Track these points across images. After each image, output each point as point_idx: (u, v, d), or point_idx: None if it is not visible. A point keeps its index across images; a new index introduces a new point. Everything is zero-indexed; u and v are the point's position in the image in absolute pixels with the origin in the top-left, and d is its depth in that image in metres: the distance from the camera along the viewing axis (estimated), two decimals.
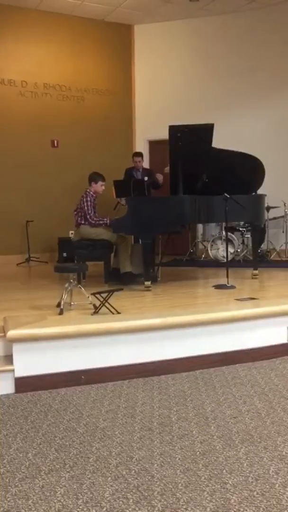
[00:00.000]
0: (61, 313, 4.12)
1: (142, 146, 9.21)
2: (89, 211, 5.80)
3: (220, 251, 7.63)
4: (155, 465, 2.45)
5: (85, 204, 5.82)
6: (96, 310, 4.10)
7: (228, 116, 8.60)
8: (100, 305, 4.10)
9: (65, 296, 4.25)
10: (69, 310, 4.26)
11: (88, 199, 5.84)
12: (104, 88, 9.21)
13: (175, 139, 5.60)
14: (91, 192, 5.94)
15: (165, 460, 2.49)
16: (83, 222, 5.85)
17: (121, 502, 2.13)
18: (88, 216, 5.78)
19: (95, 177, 6.00)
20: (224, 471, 2.37)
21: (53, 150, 8.81)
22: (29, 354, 3.57)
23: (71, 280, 4.38)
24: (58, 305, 4.25)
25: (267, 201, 6.86)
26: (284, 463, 2.43)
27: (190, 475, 2.34)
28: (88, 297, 4.27)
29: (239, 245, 7.76)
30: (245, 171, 5.89)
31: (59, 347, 3.64)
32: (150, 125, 9.02)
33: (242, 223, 7.45)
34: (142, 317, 4.00)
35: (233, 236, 7.65)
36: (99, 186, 5.97)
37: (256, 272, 6.12)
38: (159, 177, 7.04)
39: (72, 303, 4.37)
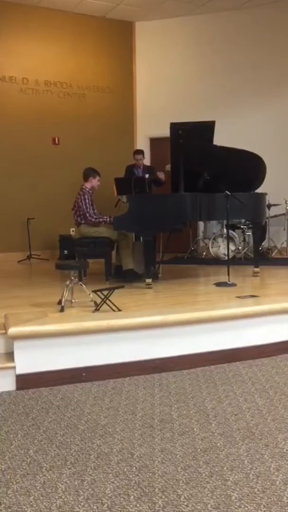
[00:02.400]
0: (62, 310, 4.12)
1: (143, 143, 9.19)
2: (88, 209, 5.75)
3: (221, 248, 7.62)
4: (156, 462, 2.45)
5: (83, 202, 5.75)
6: (97, 307, 4.10)
7: (229, 114, 8.58)
8: (101, 302, 4.10)
9: (66, 294, 4.25)
10: (70, 308, 4.26)
11: (86, 196, 5.79)
12: (105, 85, 9.20)
13: (176, 136, 5.60)
14: (87, 189, 5.90)
15: (166, 457, 2.49)
16: (83, 221, 5.81)
17: (122, 499, 2.13)
18: (87, 215, 5.74)
19: (92, 172, 5.96)
20: (225, 468, 2.38)
21: (54, 147, 8.80)
22: (30, 351, 3.57)
23: (72, 278, 4.38)
24: (59, 302, 4.25)
25: (268, 199, 6.85)
26: (285, 460, 2.44)
27: (191, 472, 2.35)
28: (89, 294, 4.27)
29: (240, 242, 7.76)
30: (246, 169, 5.88)
31: (60, 344, 3.64)
32: (151, 122, 9.01)
33: (243, 220, 7.44)
34: (143, 315, 4.00)
35: (234, 233, 7.64)
36: (96, 181, 5.96)
37: (257, 269, 6.11)
38: (161, 175, 7.03)
39: (73, 301, 4.37)
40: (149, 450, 2.57)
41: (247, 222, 7.39)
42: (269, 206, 7.42)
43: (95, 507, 2.08)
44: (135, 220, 5.35)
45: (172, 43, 9.22)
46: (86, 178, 5.96)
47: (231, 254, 6.91)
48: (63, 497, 2.15)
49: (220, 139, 5.98)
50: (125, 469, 2.38)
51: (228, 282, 5.34)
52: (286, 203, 7.88)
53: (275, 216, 7.95)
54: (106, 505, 2.09)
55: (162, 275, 6.15)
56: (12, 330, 3.53)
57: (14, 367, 3.51)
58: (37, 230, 8.39)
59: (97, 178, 5.96)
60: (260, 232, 6.62)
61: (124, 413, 3.05)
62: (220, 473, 2.33)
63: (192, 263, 7.66)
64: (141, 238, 5.50)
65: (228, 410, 3.07)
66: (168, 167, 6.14)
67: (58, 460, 2.49)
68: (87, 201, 5.77)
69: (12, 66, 8.45)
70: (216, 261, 7.50)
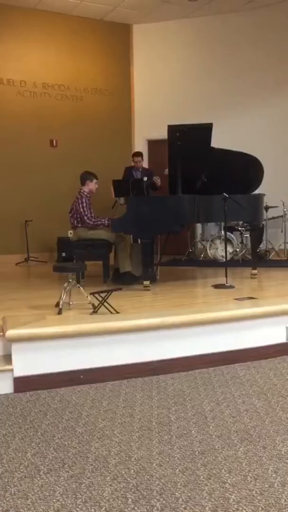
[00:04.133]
0: (60, 312, 4.12)
1: (141, 145, 9.21)
2: (86, 213, 5.74)
3: (219, 250, 7.63)
4: (154, 464, 2.45)
5: (81, 205, 5.74)
6: (95, 309, 4.10)
7: (227, 116, 8.60)
8: (99, 304, 4.10)
9: (64, 296, 4.25)
10: (68, 310, 4.26)
11: (83, 200, 5.79)
12: (103, 88, 9.21)
13: (174, 138, 5.61)
14: (85, 192, 5.90)
15: (164, 460, 2.49)
16: (79, 225, 5.80)
17: (120, 502, 2.13)
18: (85, 218, 5.72)
19: (88, 176, 5.95)
20: (223, 470, 2.37)
21: (52, 149, 8.81)
22: (28, 353, 3.57)
23: (70, 280, 4.37)
24: (57, 304, 4.25)
25: (266, 201, 6.86)
26: (283, 462, 2.44)
27: (189, 474, 2.34)
28: (87, 296, 4.27)
29: (238, 244, 7.77)
30: (244, 171, 5.89)
31: (58, 346, 3.64)
32: (149, 125, 9.02)
33: (241, 222, 7.45)
34: (141, 317, 3.99)
35: (232, 235, 7.65)
36: (94, 185, 5.94)
37: (255, 271, 6.12)
38: (157, 181, 7.04)
39: (71, 303, 4.37)
40: (147, 452, 2.57)
41: (245, 224, 7.40)
42: (266, 208, 7.43)
43: (93, 510, 2.07)
44: (133, 222, 5.35)
45: (170, 46, 9.23)
46: (83, 182, 5.96)
47: (229, 256, 6.91)
48: (61, 500, 2.15)
49: (218, 141, 5.99)
50: (123, 472, 2.38)
51: (226, 284, 5.34)
52: (283, 205, 7.89)
53: (273, 218, 7.97)
54: (104, 508, 2.09)
55: (160, 277, 6.16)
56: (10, 333, 3.53)
57: (11, 370, 3.51)
58: (35, 233, 8.39)
59: (94, 181, 5.94)
60: (257, 234, 6.64)
61: (122, 416, 3.04)
62: (218, 475, 2.33)
63: (190, 265, 7.66)
64: (139, 240, 5.50)
65: (226, 412, 3.07)
66: (166, 171, 6.14)
67: (56, 463, 2.49)
68: (84, 204, 5.77)
69: (10, 69, 8.46)
70: (214, 263, 7.50)
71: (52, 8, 8.48)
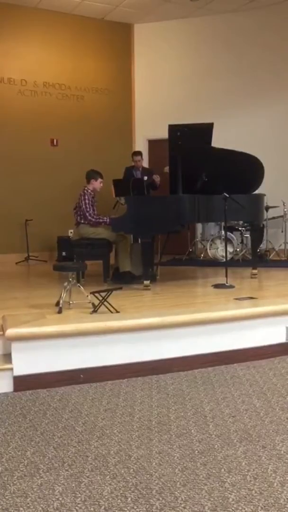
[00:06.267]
0: (60, 312, 4.13)
1: (141, 145, 9.20)
2: (88, 210, 5.75)
3: (219, 250, 7.63)
4: (154, 463, 2.45)
5: (83, 202, 5.77)
6: (95, 309, 4.10)
7: (228, 115, 8.59)
8: (99, 304, 4.10)
9: (64, 295, 4.25)
10: (68, 309, 4.26)
11: (87, 197, 5.80)
12: (103, 87, 9.20)
13: (175, 138, 5.60)
14: (90, 190, 5.91)
15: (163, 459, 2.49)
16: (82, 221, 5.82)
17: (119, 501, 2.13)
18: (87, 214, 5.74)
19: (93, 174, 5.97)
20: (223, 469, 2.38)
21: (53, 149, 8.80)
22: (28, 352, 3.57)
23: (70, 279, 4.38)
24: (57, 304, 4.25)
25: (267, 201, 6.86)
26: (282, 462, 2.44)
27: (189, 473, 2.34)
28: (87, 296, 4.27)
29: (238, 244, 7.77)
30: (244, 170, 5.89)
31: (58, 345, 3.64)
32: (149, 124, 9.01)
33: (241, 222, 7.45)
34: (141, 316, 4.00)
35: (232, 235, 7.65)
36: (98, 183, 5.95)
37: (255, 271, 6.12)
38: (156, 179, 7.04)
39: (71, 302, 4.37)
40: (146, 452, 2.57)
41: (245, 223, 7.40)
42: (267, 208, 7.43)
43: (92, 509, 2.08)
44: (133, 221, 5.35)
45: (170, 45, 9.23)
46: (88, 180, 5.98)
47: (229, 256, 6.91)
48: (60, 499, 2.15)
49: (218, 141, 5.99)
50: (123, 471, 2.38)
51: (226, 284, 5.34)
52: (284, 205, 7.89)
53: (273, 218, 7.97)
54: (103, 507, 2.09)
55: (160, 277, 6.16)
56: (10, 332, 3.53)
57: (11, 369, 3.51)
58: (35, 232, 8.39)
59: (99, 180, 5.95)
60: (258, 234, 6.63)
61: (122, 415, 3.04)
62: (217, 475, 2.33)
63: (190, 265, 7.66)
64: (139, 240, 5.49)
65: (226, 412, 3.07)
66: (166, 169, 6.14)
67: (55, 461, 2.49)
68: (87, 201, 5.78)
69: (11, 68, 8.45)
70: (214, 262, 7.50)
71: (53, 7, 8.47)
